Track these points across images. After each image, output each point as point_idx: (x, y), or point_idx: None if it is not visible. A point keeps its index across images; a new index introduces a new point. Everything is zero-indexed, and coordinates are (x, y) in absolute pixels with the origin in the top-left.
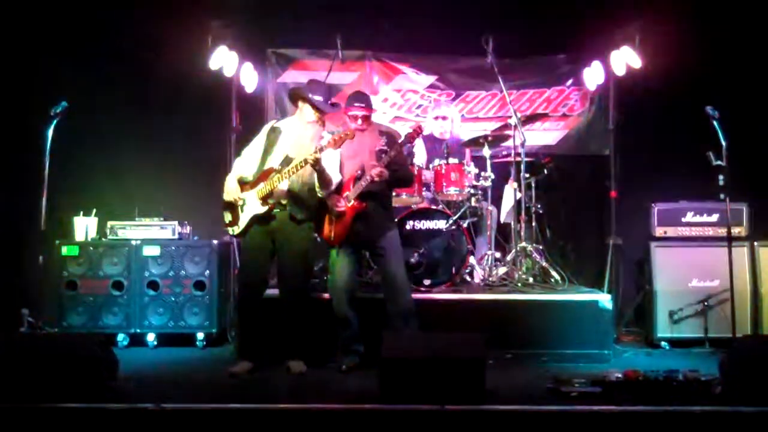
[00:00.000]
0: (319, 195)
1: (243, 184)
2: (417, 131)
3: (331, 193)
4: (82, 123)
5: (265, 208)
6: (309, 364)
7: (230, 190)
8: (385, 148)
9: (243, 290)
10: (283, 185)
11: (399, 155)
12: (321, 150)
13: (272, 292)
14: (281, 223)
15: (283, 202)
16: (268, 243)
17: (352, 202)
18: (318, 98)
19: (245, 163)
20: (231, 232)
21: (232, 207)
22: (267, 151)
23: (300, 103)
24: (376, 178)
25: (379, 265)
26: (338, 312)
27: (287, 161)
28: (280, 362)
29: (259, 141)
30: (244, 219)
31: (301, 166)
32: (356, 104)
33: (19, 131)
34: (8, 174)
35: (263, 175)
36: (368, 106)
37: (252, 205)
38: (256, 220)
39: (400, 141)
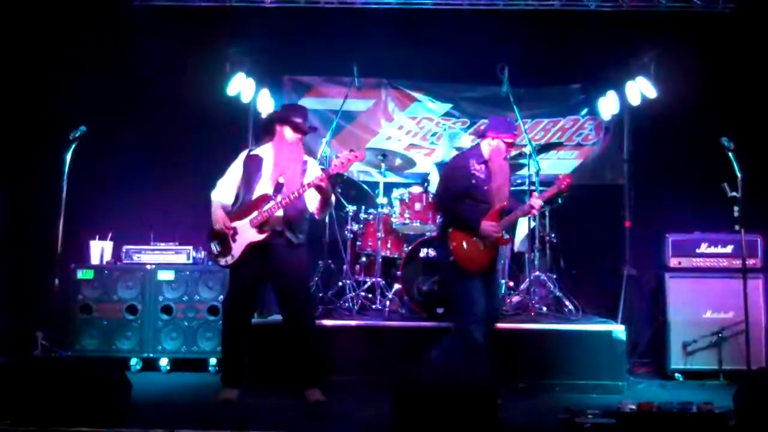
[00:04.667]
0: (317, 218)
1: (228, 213)
2: (566, 186)
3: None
4: (99, 148)
5: (263, 236)
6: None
7: (220, 220)
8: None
9: (232, 318)
10: (279, 212)
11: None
12: (330, 175)
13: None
14: (278, 250)
15: (279, 228)
16: (262, 272)
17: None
18: (297, 119)
19: (223, 192)
20: (223, 263)
21: (221, 237)
22: (249, 179)
23: (278, 127)
24: (534, 213)
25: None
26: (476, 339)
27: (279, 187)
28: (293, 390)
29: (236, 169)
30: (237, 248)
31: (303, 191)
32: (514, 132)
33: (38, 155)
34: (26, 197)
35: (256, 202)
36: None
37: (246, 234)
38: (251, 248)
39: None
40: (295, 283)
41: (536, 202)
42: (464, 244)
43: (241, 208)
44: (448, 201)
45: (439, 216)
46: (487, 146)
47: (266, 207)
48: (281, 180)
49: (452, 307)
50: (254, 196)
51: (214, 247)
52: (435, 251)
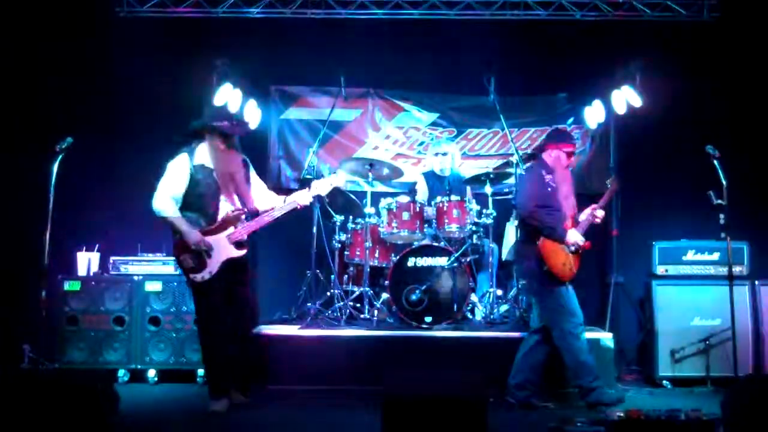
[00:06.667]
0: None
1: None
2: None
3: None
4: (86, 159)
5: (243, 252)
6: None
7: (198, 238)
8: None
9: (214, 331)
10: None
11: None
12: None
13: None
14: (242, 262)
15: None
16: (231, 280)
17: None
18: (221, 125)
19: (176, 204)
20: (199, 279)
21: (194, 252)
22: (206, 192)
23: (207, 136)
24: (598, 221)
25: None
26: (584, 341)
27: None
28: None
29: (182, 178)
30: (215, 264)
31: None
32: (573, 142)
33: (24, 167)
34: (12, 209)
35: (231, 219)
36: None
37: (224, 250)
38: (227, 263)
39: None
40: (249, 289)
41: (599, 212)
42: (556, 253)
43: (209, 221)
44: (535, 210)
45: (529, 226)
46: (549, 158)
47: (241, 224)
48: (236, 195)
49: (550, 316)
50: (221, 211)
51: (189, 261)
52: (518, 263)
